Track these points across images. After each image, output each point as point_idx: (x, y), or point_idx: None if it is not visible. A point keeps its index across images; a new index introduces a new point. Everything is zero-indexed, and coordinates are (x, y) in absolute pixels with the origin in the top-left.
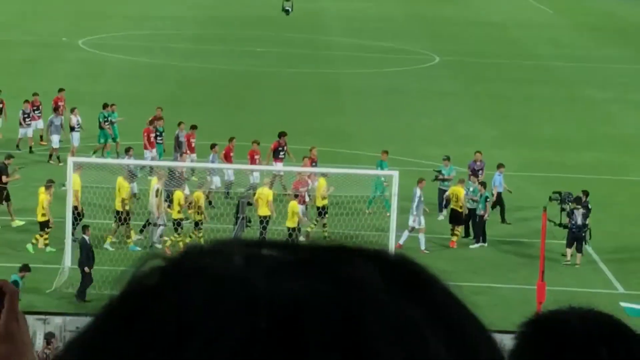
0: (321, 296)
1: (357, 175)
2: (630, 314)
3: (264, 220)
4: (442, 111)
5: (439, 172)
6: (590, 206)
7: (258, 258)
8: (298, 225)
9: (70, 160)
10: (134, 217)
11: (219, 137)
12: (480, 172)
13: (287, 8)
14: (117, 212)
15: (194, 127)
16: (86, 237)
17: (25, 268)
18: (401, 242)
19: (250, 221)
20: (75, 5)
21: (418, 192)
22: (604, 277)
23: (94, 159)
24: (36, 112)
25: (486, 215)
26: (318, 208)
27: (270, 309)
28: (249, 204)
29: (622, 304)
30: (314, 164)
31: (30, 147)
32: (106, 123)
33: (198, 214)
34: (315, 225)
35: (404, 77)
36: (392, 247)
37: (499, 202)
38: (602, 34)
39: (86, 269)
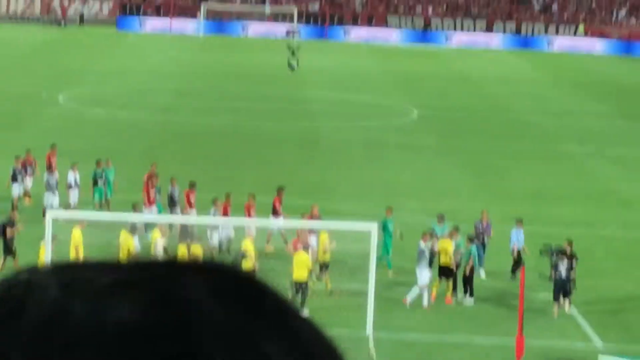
0: (148, 321)
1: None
2: None
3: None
4: (421, 165)
5: (432, 230)
6: (577, 256)
7: (76, 283)
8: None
9: (49, 216)
10: None
11: (200, 192)
12: (486, 231)
13: (292, 64)
14: None
15: (192, 185)
16: None
17: None
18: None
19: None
20: (54, 60)
21: (422, 245)
22: (582, 330)
23: (89, 214)
24: (28, 169)
25: (467, 271)
26: (321, 263)
27: (96, 341)
28: (244, 256)
29: (601, 357)
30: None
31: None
32: (100, 180)
33: None
34: (316, 280)
35: (382, 130)
36: (371, 301)
37: (518, 260)
38: (581, 89)
39: None
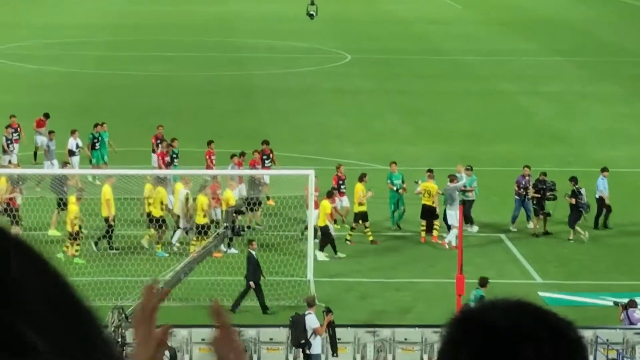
0: None
1: (273, 175)
2: (549, 303)
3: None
4: (356, 109)
5: (463, 184)
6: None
7: None
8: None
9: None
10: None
11: (136, 144)
12: (527, 187)
13: (311, 12)
14: (156, 218)
15: (211, 143)
16: (252, 252)
17: None
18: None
19: (244, 230)
20: None
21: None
22: (522, 267)
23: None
24: (15, 135)
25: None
26: (356, 214)
27: None
28: (240, 212)
29: (540, 293)
30: (340, 181)
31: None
32: (97, 143)
33: (203, 217)
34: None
35: (316, 76)
36: (310, 245)
37: (602, 206)
38: (510, 27)
39: (251, 283)
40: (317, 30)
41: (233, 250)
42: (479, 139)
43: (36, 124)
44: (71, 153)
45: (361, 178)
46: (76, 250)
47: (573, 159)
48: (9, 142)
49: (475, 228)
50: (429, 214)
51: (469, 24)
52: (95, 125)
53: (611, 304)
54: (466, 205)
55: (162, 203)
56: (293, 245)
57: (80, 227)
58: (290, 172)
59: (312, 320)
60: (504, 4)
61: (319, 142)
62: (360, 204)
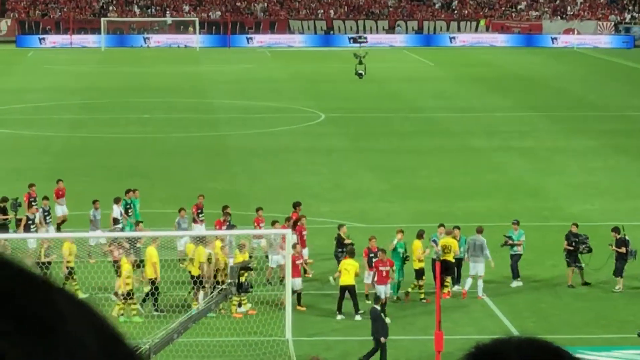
0: None
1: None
2: None
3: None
4: (331, 167)
5: (509, 237)
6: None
7: None
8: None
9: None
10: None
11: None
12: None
13: (360, 72)
14: (196, 276)
15: (259, 210)
16: (377, 307)
17: None
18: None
19: (251, 287)
20: None
21: (484, 240)
22: (500, 323)
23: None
24: (34, 204)
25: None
26: (417, 270)
27: None
28: (248, 269)
29: None
30: (304, 232)
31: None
32: (129, 209)
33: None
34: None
35: (290, 135)
36: (288, 303)
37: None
38: (485, 84)
39: (382, 338)
40: (291, 89)
41: (242, 309)
42: (454, 195)
43: (56, 194)
44: (115, 221)
45: (420, 235)
46: (133, 309)
47: (548, 213)
48: (46, 213)
49: (519, 283)
50: (447, 270)
51: (442, 81)
52: (127, 192)
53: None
54: (513, 259)
55: (201, 262)
56: (271, 305)
57: (132, 287)
58: (267, 232)
59: None
60: (477, 61)
61: (293, 201)
62: (420, 261)
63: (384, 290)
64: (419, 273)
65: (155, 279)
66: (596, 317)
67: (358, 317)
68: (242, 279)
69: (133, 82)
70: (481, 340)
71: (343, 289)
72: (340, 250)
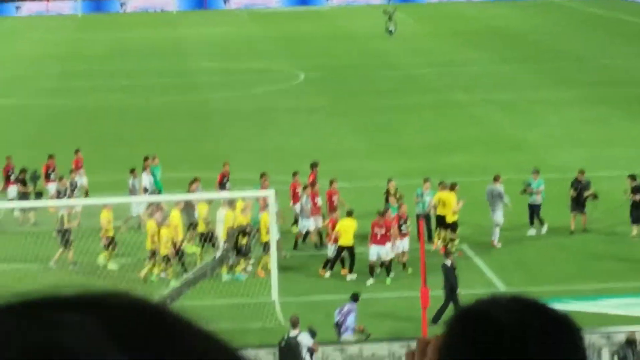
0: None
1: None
2: None
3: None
4: (313, 127)
5: (528, 185)
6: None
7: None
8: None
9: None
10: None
11: (98, 173)
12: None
13: (390, 29)
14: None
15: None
16: (447, 263)
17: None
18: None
19: (250, 250)
20: None
21: (501, 188)
22: (485, 276)
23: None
24: (52, 175)
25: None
26: (451, 224)
27: None
28: (246, 233)
29: None
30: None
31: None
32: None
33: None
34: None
35: (271, 96)
36: (274, 266)
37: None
38: (460, 38)
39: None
40: (269, 50)
41: (240, 276)
42: (437, 151)
43: (75, 165)
44: (145, 190)
45: (452, 187)
46: (170, 271)
47: (530, 165)
48: (73, 187)
49: (544, 228)
50: (443, 224)
51: (420, 37)
52: (146, 159)
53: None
54: (534, 208)
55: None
56: (255, 266)
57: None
58: (251, 194)
59: (306, 339)
60: (451, 14)
61: (276, 163)
62: (454, 213)
63: (377, 252)
64: (453, 226)
65: (177, 242)
66: (580, 269)
67: (351, 277)
68: (244, 241)
69: (111, 48)
70: (470, 295)
71: (341, 249)
72: (387, 204)
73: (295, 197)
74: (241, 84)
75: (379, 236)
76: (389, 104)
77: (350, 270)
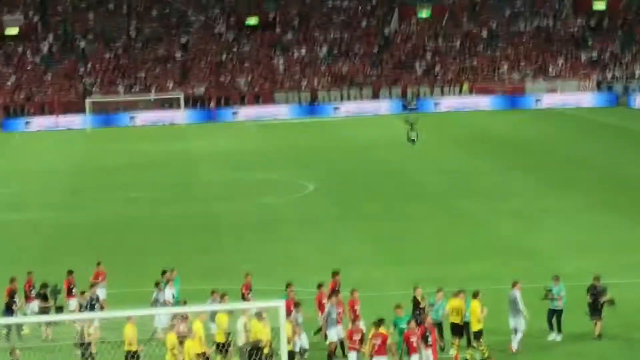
0: None
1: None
2: None
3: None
4: (321, 237)
5: (549, 291)
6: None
7: None
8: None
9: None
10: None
11: (119, 285)
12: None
13: (412, 138)
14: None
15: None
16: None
17: None
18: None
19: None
20: None
21: (517, 294)
22: None
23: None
24: (73, 290)
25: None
26: (476, 332)
27: None
28: (259, 348)
29: None
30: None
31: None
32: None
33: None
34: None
35: (279, 207)
36: None
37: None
38: (469, 146)
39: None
40: (278, 161)
41: None
42: (447, 259)
43: (95, 277)
44: (168, 303)
45: (476, 295)
46: None
47: (543, 272)
48: (94, 302)
49: (560, 337)
50: (457, 331)
51: (428, 145)
52: (164, 272)
53: None
54: (556, 314)
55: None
56: None
57: None
58: (261, 304)
59: None
60: (462, 124)
61: (284, 273)
62: (479, 321)
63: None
64: (477, 335)
65: (204, 352)
66: None
67: None
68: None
69: (120, 161)
70: None
71: None
72: (417, 312)
73: (322, 308)
74: (249, 195)
75: (414, 344)
76: (395, 211)
77: None
